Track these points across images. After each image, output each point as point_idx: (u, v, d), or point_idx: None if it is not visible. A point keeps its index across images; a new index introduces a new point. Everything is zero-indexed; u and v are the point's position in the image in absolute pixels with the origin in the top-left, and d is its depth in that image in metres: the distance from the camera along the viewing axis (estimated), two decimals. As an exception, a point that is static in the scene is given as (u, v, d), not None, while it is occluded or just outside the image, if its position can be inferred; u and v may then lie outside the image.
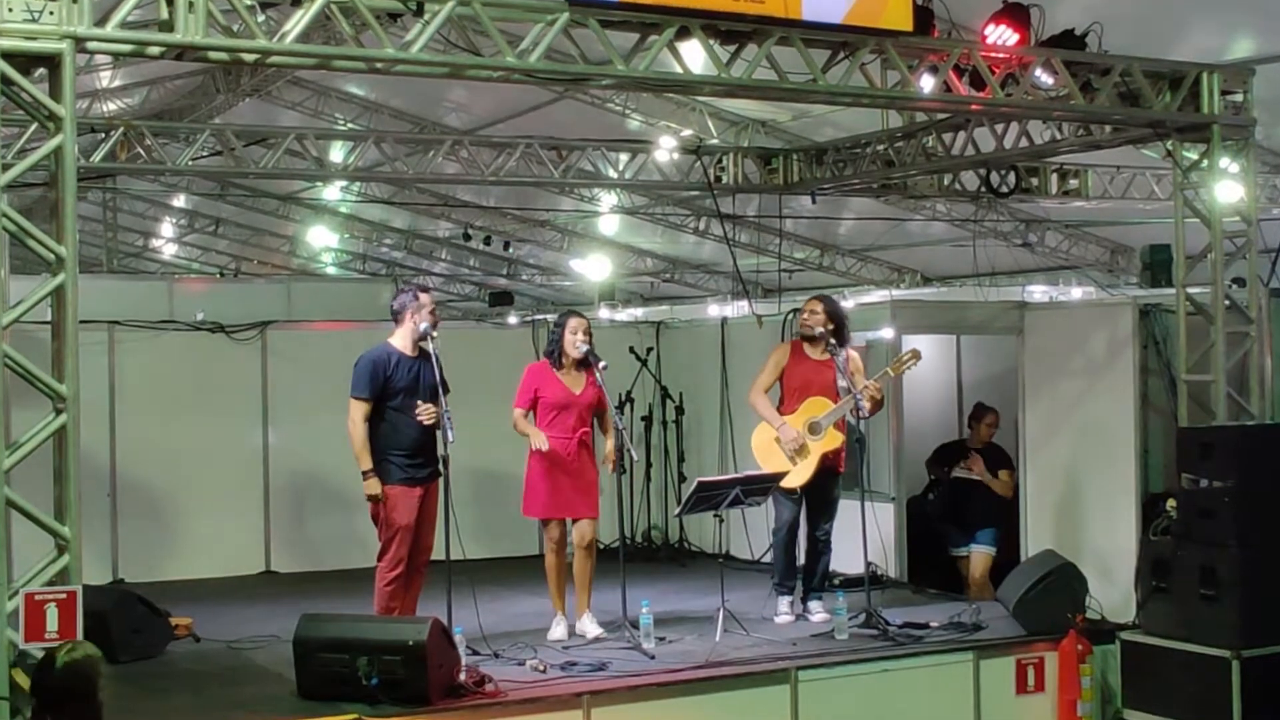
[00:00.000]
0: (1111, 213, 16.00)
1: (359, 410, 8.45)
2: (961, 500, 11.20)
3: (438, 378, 8.38)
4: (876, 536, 9.69)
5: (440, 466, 8.35)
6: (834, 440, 9.29)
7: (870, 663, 8.53)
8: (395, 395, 8.48)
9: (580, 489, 8.94)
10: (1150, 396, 9.73)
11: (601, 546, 9.71)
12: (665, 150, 13.28)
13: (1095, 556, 9.68)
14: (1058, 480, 10.23)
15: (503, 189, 18.38)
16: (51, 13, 6.50)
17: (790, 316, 11.32)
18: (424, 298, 8.67)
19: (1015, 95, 8.92)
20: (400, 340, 8.60)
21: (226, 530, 11.91)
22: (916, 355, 9.51)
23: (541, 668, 8.03)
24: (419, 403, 8.44)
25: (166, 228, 28.06)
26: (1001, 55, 8.82)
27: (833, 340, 9.34)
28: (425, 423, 8.40)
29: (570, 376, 8.98)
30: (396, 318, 8.67)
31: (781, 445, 9.26)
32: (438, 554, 8.36)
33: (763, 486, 9.11)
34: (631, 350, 12.60)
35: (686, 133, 14.37)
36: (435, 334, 8.54)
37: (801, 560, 9.63)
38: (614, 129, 14.33)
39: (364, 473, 8.42)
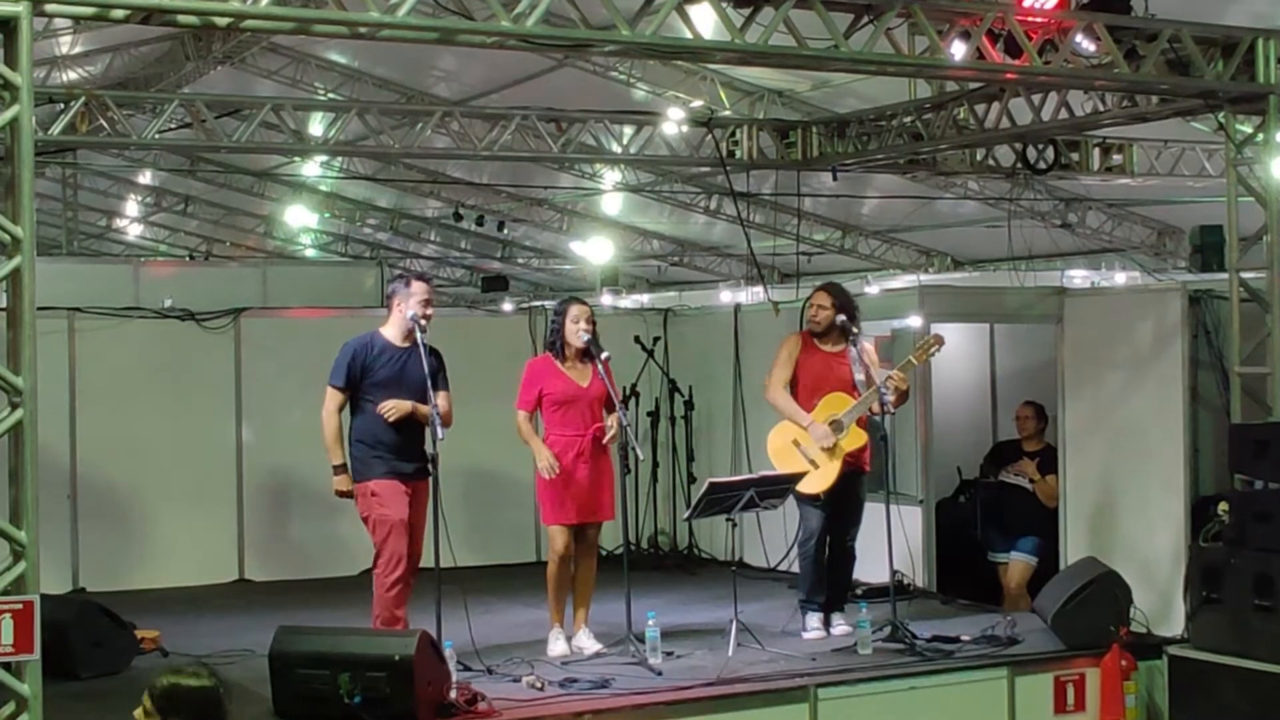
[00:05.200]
0: (1158, 191, 16.00)
1: (332, 400, 8.52)
2: (1005, 504, 11.24)
3: (426, 371, 8.38)
4: (903, 542, 9.67)
5: (429, 466, 8.34)
6: (858, 439, 9.26)
7: (896, 679, 8.53)
8: (376, 388, 8.49)
9: (603, 488, 8.95)
10: (1200, 390, 9.72)
11: (604, 553, 9.72)
12: (674, 123, 13.27)
13: (1140, 564, 9.67)
14: (1099, 481, 10.22)
15: (497, 165, 18.40)
16: (6, -27, 6.49)
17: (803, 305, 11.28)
18: (415, 285, 8.65)
19: (1054, 63, 8.90)
20: (390, 329, 8.61)
21: (197, 535, 11.92)
22: (939, 340, 9.49)
23: (539, 685, 8.03)
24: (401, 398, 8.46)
25: (131, 206, 28.07)
26: (1039, 19, 8.80)
27: (854, 330, 9.32)
28: (389, 419, 8.41)
29: (575, 369, 8.97)
30: (388, 304, 8.72)
31: (809, 444, 9.19)
32: (426, 560, 8.37)
33: (779, 488, 9.09)
34: (637, 340, 12.59)
35: (697, 104, 14.35)
36: (424, 324, 8.53)
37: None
38: (618, 99, 14.32)
39: (334, 467, 8.50)
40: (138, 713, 5.15)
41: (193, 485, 11.92)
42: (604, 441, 8.90)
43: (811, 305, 9.49)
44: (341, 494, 8.52)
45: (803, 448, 9.22)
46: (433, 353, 8.58)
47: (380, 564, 8.48)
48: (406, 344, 8.57)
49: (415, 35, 7.80)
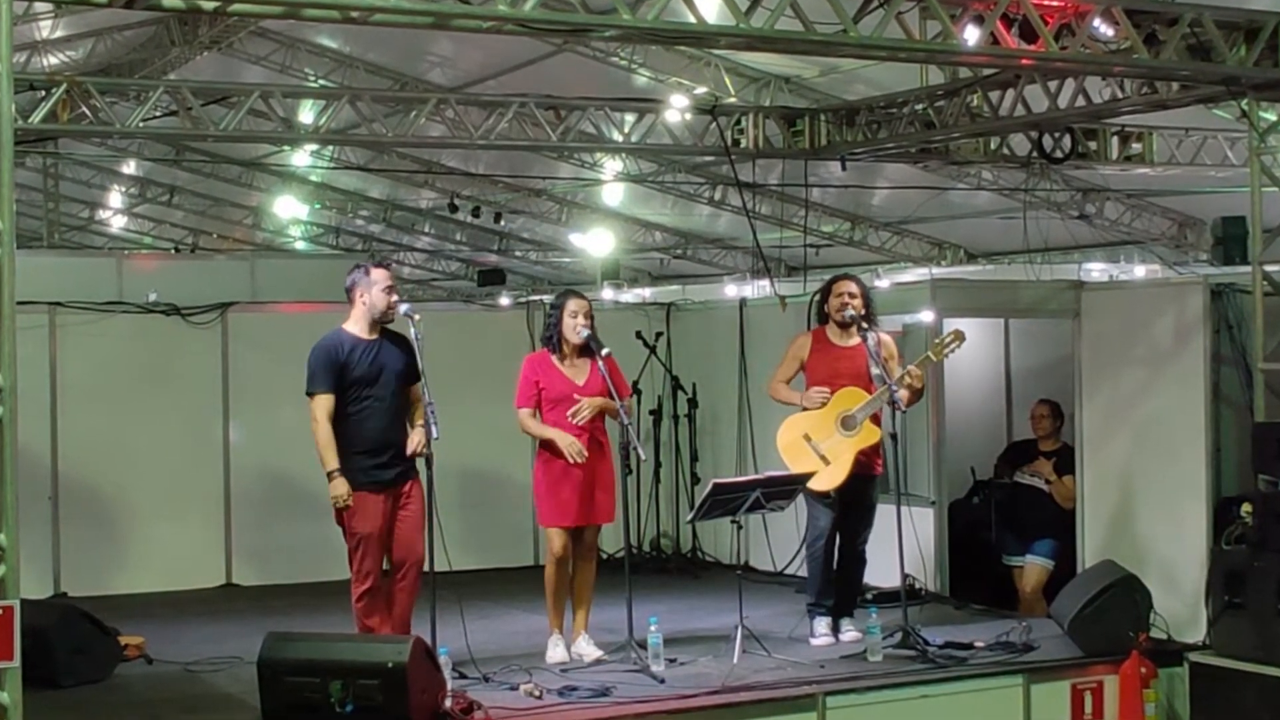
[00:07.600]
0: (1179, 181, 15.97)
1: (321, 408, 8.36)
2: (1020, 506, 11.25)
3: (420, 364, 8.34)
4: (914, 545, 9.69)
5: (424, 465, 8.31)
6: (870, 436, 9.24)
7: (907, 687, 8.53)
8: (352, 386, 8.43)
9: (601, 488, 8.93)
10: (1222, 387, 9.71)
11: (605, 556, 9.72)
12: (677, 110, 13.27)
13: (1160, 568, 9.67)
14: (1118, 481, 10.21)
15: (493, 154, 18.37)
16: (-16, -46, 6.49)
17: (816, 298, 11.26)
18: (375, 273, 8.58)
19: (1071, 48, 8.89)
20: (354, 324, 8.56)
21: (183, 538, 11.92)
22: (960, 337, 9.48)
23: (537, 693, 8.03)
24: (383, 393, 8.44)
25: (115, 197, 28.05)
26: (1056, 3, 8.79)
27: (865, 324, 9.31)
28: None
29: (572, 366, 8.95)
30: (349, 297, 8.64)
31: (820, 438, 9.16)
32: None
33: (787, 489, 9.09)
34: (639, 335, 12.59)
35: (701, 90, 14.35)
36: (418, 317, 8.49)
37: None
38: (619, 86, 14.32)
39: (328, 474, 8.35)
40: None
41: (178, 486, 11.92)
42: (569, 415, 8.83)
43: (838, 295, 9.44)
44: (338, 501, 8.32)
45: (814, 442, 9.19)
46: (401, 340, 8.52)
47: (352, 575, 8.48)
48: (374, 335, 8.55)
49: (409, 19, 7.80)
